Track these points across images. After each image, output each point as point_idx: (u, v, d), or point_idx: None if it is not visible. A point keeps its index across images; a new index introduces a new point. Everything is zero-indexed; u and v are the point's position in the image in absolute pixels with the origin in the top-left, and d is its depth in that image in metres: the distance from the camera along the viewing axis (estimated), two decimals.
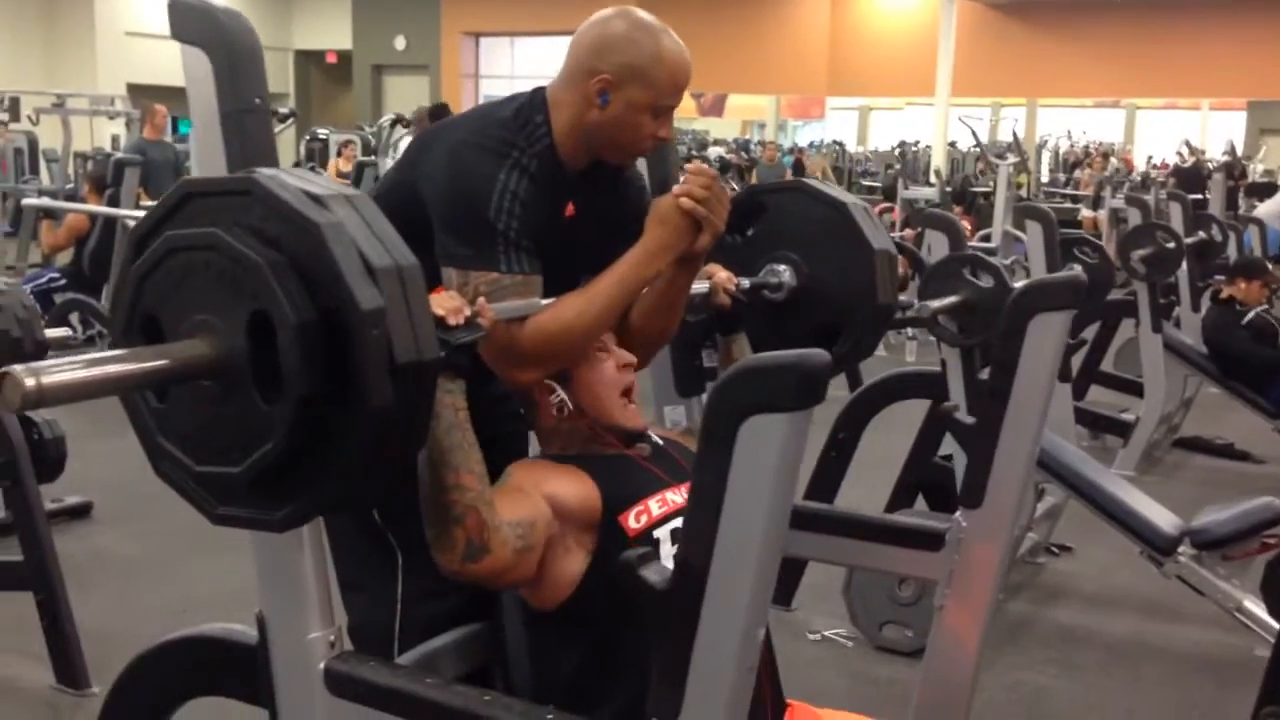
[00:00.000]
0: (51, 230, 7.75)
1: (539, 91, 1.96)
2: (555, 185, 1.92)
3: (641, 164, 2.14)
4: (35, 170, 13.14)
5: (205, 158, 1.58)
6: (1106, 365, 6.35)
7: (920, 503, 3.82)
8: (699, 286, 2.16)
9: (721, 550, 1.38)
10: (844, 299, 2.33)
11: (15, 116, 12.27)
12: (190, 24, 1.57)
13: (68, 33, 16.29)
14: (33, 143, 13.20)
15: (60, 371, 1.20)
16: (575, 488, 1.80)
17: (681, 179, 1.92)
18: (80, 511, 4.51)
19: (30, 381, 1.17)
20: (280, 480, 1.35)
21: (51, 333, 4.04)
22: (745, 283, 2.26)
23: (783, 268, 2.36)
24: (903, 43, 17.19)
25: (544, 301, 1.84)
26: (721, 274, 2.21)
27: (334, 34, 18.53)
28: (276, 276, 1.28)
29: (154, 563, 4.11)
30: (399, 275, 1.35)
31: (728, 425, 1.36)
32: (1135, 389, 5.83)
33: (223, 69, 1.55)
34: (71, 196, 10.02)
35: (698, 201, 1.88)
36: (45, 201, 9.05)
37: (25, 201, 9.12)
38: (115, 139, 13.22)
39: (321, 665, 1.61)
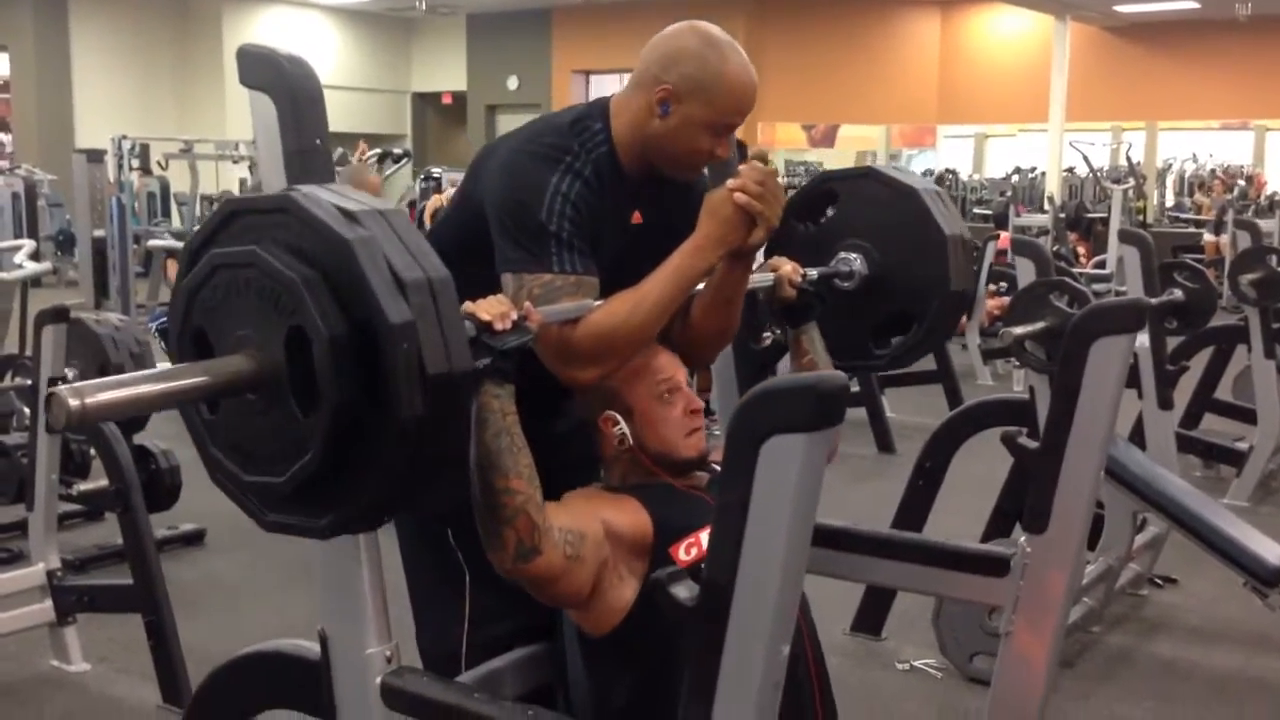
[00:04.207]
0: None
1: (602, 100, 1.97)
2: (617, 191, 1.92)
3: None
4: (166, 213, 13.76)
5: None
6: (1224, 392, 6.16)
7: (1018, 531, 3.76)
8: (764, 280, 2.13)
9: (745, 568, 1.40)
10: (916, 287, 2.31)
11: (145, 162, 12.87)
12: (257, 70, 1.65)
13: (199, 82, 17.02)
14: (165, 187, 13.85)
15: (104, 391, 1.27)
16: (627, 514, 1.84)
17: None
18: (194, 538, 4.70)
19: (74, 402, 1.23)
20: (321, 489, 1.39)
21: (163, 365, 4.23)
22: (813, 273, 2.21)
23: (854, 256, 2.34)
24: (1014, 69, 16.87)
25: (595, 303, 1.83)
26: (787, 266, 2.18)
27: (449, 76, 19.00)
28: (310, 292, 1.33)
29: (260, 589, 4.25)
30: (429, 288, 1.38)
31: (748, 446, 1.38)
32: (1251, 417, 5.63)
33: (286, 112, 1.62)
34: None
35: (752, 197, 1.85)
36: (169, 242, 9.52)
37: (150, 243, 9.59)
38: (242, 182, 13.77)
39: (378, 680, 1.65)
